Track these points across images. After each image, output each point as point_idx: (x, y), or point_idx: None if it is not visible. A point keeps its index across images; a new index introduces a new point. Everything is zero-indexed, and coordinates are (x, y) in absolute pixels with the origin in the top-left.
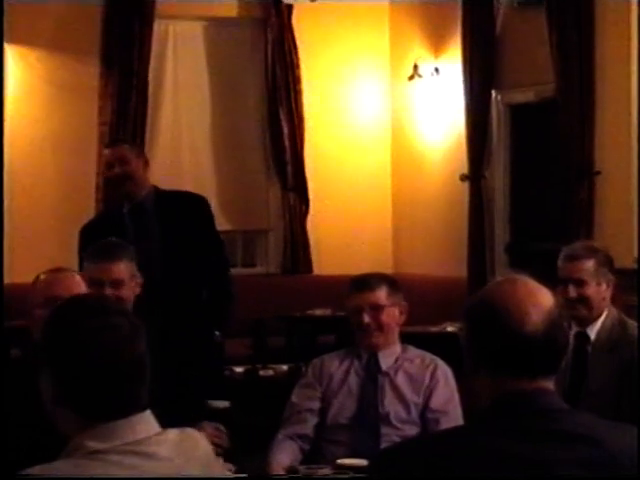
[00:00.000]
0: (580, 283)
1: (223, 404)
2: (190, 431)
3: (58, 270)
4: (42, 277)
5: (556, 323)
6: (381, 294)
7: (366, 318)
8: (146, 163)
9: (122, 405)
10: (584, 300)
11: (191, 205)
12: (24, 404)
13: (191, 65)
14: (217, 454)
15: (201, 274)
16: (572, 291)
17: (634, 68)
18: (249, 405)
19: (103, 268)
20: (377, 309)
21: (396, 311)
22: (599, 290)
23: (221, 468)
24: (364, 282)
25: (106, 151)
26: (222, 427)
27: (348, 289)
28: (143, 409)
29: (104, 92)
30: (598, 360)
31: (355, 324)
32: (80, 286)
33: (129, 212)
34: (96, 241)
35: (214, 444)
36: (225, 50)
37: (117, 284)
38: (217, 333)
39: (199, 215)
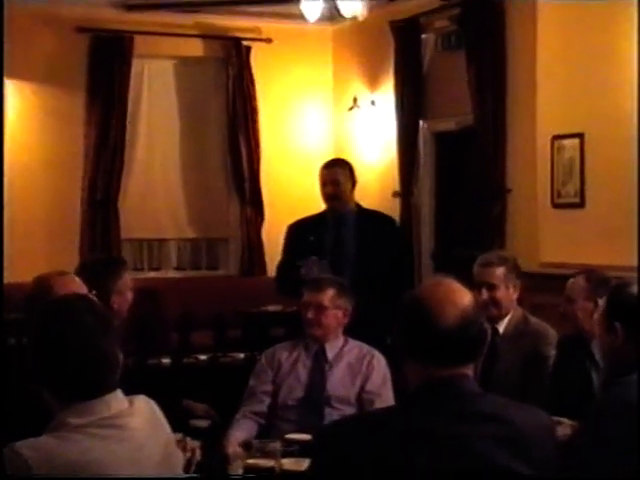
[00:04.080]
0: (491, 287)
1: (204, 423)
2: (145, 399)
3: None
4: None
5: (471, 319)
6: (326, 296)
7: (310, 314)
8: (354, 184)
9: (93, 388)
10: (494, 302)
11: (385, 223)
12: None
13: (163, 97)
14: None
15: (386, 281)
16: (484, 294)
17: (539, 101)
18: (211, 386)
19: None
20: (320, 309)
21: (339, 313)
22: (508, 293)
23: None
24: (316, 282)
25: (324, 170)
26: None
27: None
28: (113, 390)
29: (89, 120)
30: (505, 349)
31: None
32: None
33: (332, 222)
34: (302, 237)
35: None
36: (192, 85)
37: None
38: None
39: (389, 231)
